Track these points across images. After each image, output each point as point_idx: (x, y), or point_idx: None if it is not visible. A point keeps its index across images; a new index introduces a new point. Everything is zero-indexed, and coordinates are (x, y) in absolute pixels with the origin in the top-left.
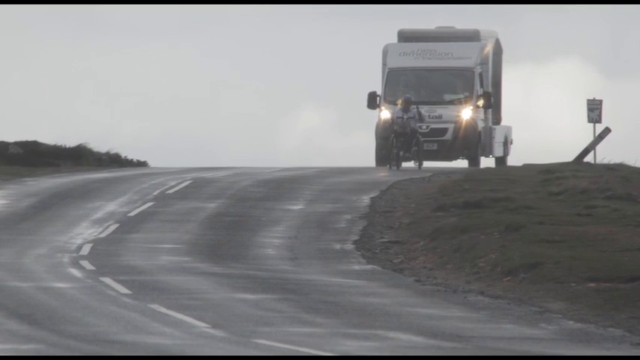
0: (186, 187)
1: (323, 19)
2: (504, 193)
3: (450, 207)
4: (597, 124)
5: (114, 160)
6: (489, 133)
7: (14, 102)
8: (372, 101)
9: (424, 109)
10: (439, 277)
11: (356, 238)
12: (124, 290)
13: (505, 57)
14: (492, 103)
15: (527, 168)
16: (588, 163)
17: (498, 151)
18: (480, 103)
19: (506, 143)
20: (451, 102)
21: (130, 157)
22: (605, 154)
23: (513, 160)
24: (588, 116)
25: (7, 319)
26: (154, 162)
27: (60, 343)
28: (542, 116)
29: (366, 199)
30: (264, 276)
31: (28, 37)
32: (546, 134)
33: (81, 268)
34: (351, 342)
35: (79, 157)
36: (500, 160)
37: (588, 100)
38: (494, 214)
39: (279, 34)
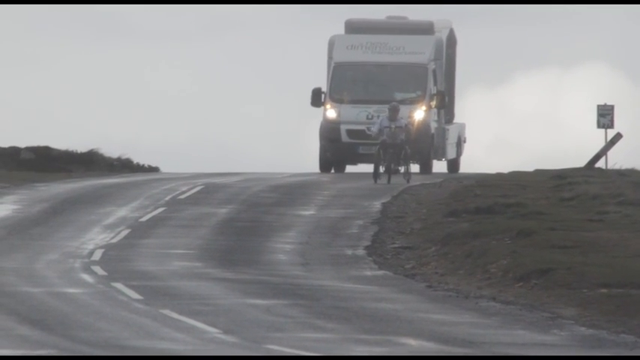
0: (198, 192)
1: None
2: (516, 199)
3: (462, 212)
4: (609, 130)
5: (125, 166)
6: (442, 134)
7: (26, 107)
8: (317, 99)
9: (373, 109)
10: (451, 283)
11: (367, 243)
12: (135, 296)
13: (531, 61)
14: (446, 102)
15: (539, 173)
16: (600, 169)
17: (451, 152)
18: (433, 103)
19: (460, 143)
20: (402, 101)
21: (141, 162)
22: (617, 159)
23: (467, 160)
24: (599, 122)
25: (18, 324)
26: (175, 168)
27: (72, 348)
28: (566, 121)
29: (377, 205)
30: (275, 281)
31: (40, 41)
32: (570, 139)
33: (92, 273)
34: (362, 348)
35: (90, 162)
36: (453, 163)
37: (599, 106)
38: (506, 220)
39: (301, 37)
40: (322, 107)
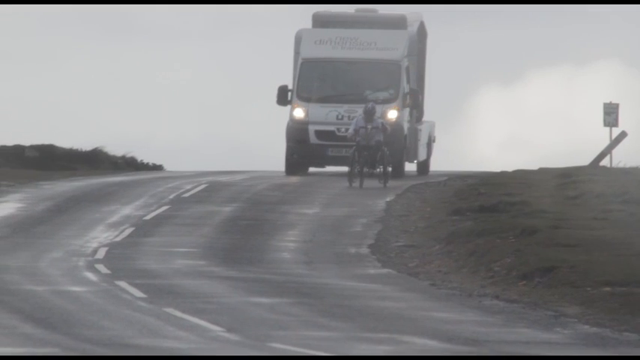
0: (202, 190)
1: None
2: (520, 197)
3: (466, 211)
4: (614, 128)
5: (129, 164)
6: (414, 135)
7: (31, 105)
8: (283, 97)
9: (343, 109)
10: (454, 281)
11: (371, 242)
12: (139, 294)
13: (544, 59)
14: (420, 102)
15: (544, 172)
16: (604, 167)
17: (422, 154)
18: (407, 102)
19: (430, 143)
20: (374, 100)
21: (146, 160)
22: (622, 158)
23: (437, 161)
24: (604, 120)
25: (22, 322)
26: (180, 166)
27: (75, 346)
28: (579, 119)
29: (381, 203)
30: (279, 280)
31: (46, 39)
32: (583, 137)
33: (96, 271)
34: (366, 346)
35: (94, 160)
36: (423, 165)
37: (605, 104)
38: (510, 218)
39: None
40: (289, 106)
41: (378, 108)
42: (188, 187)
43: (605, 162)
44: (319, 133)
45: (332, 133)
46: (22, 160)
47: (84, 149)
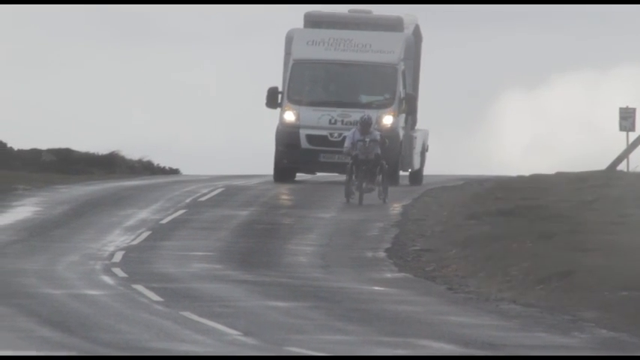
0: (218, 194)
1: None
2: (537, 202)
3: (483, 215)
4: (631, 133)
5: (146, 168)
6: (409, 142)
7: (48, 109)
8: (273, 99)
9: (336, 113)
10: (471, 285)
11: (388, 245)
12: (156, 298)
13: (567, 63)
14: (416, 107)
15: (560, 176)
16: (621, 172)
17: (416, 163)
18: (403, 107)
19: (423, 152)
20: (369, 105)
21: (162, 164)
22: (638, 162)
23: (427, 168)
24: (620, 124)
25: (39, 326)
26: (196, 170)
27: (92, 350)
28: (601, 123)
29: (398, 207)
30: (296, 284)
31: (62, 43)
32: (605, 142)
33: (113, 275)
34: (382, 350)
35: (111, 164)
36: (416, 175)
37: (621, 109)
38: (527, 223)
39: None
40: (279, 109)
41: (373, 113)
42: (204, 190)
43: (622, 166)
44: (311, 138)
45: (324, 137)
46: (39, 163)
47: (100, 153)
